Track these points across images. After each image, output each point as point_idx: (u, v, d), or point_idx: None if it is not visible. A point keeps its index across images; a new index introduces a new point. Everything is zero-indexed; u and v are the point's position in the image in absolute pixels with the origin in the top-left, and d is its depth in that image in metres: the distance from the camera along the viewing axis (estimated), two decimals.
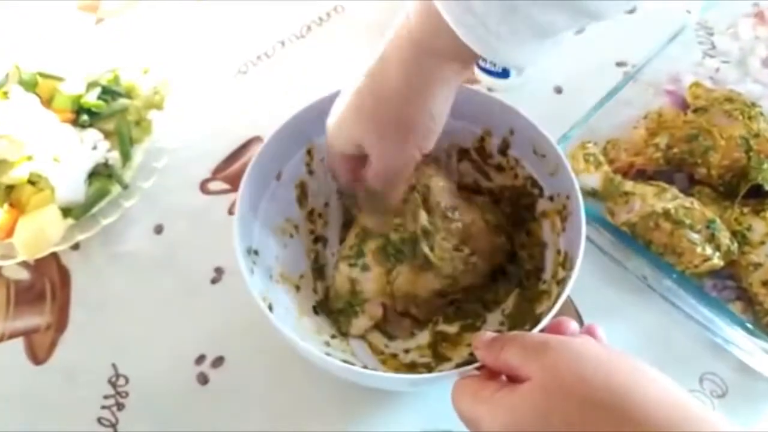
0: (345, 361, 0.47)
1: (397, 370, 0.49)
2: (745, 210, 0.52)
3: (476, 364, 0.40)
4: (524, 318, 0.48)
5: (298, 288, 0.53)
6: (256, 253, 0.49)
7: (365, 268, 0.51)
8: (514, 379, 0.36)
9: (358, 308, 0.51)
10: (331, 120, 0.46)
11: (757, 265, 0.50)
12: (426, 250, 0.49)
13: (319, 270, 0.55)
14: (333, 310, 0.52)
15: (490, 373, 0.38)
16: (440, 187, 0.51)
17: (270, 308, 0.47)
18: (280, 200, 0.53)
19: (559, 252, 0.50)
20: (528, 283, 0.51)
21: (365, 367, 0.49)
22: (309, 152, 0.54)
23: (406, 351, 0.51)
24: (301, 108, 0.51)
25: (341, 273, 0.52)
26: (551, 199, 0.51)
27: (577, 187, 0.47)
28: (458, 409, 0.37)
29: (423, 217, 0.50)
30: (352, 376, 0.45)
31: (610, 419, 0.32)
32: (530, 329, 0.42)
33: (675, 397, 0.33)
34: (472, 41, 0.37)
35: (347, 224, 0.57)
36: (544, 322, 0.42)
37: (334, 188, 0.56)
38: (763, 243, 0.50)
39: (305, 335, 0.49)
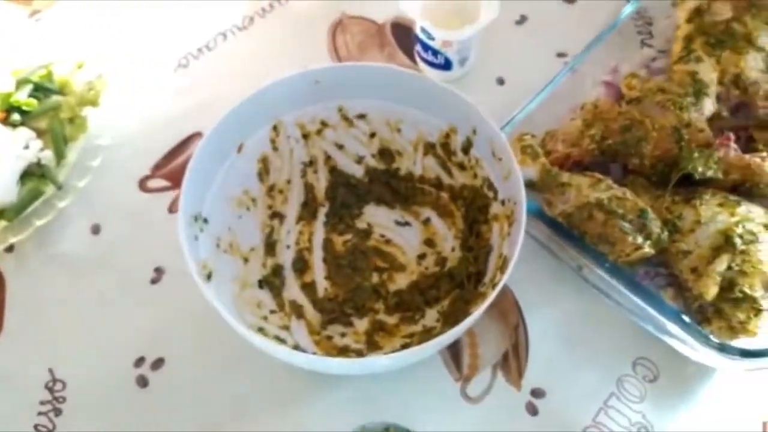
0: (276, 337, 0.47)
1: (328, 352, 0.50)
2: (677, 198, 0.53)
3: (405, 351, 0.41)
4: (457, 317, 0.49)
5: (246, 260, 0.53)
6: (205, 221, 0.50)
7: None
8: None
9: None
10: None
11: (687, 253, 0.51)
12: None
13: (271, 245, 0.55)
14: None
15: None
16: None
17: (209, 276, 0.48)
18: (239, 172, 0.53)
19: (500, 256, 0.50)
20: (468, 284, 0.52)
21: (297, 344, 0.49)
22: (275, 128, 0.54)
23: (342, 335, 0.52)
24: (267, 83, 0.51)
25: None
26: (503, 203, 0.51)
27: (523, 195, 0.47)
28: None
29: None
30: (272, 351, 0.45)
31: None
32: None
33: None
34: None
35: (307, 203, 0.57)
36: (471, 320, 0.43)
37: (299, 167, 0.57)
38: (692, 231, 0.52)
39: (243, 308, 0.50)
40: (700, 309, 0.51)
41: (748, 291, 0.48)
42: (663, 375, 0.52)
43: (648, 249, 0.50)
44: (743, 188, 0.53)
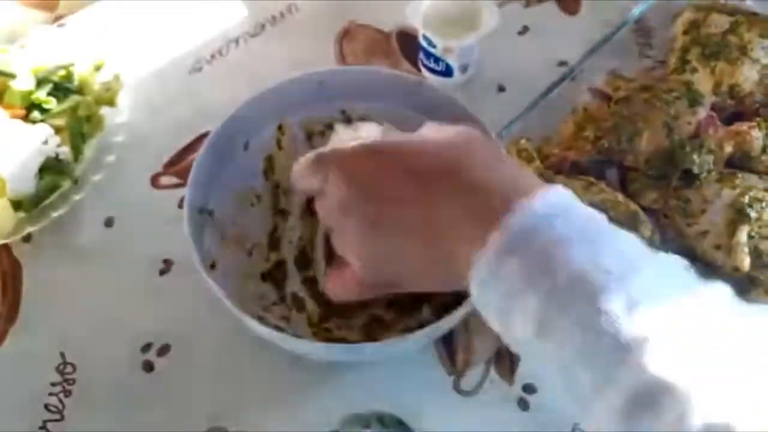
0: (276, 327, 0.49)
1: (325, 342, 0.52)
2: (679, 184, 0.55)
3: (395, 338, 0.44)
4: (447, 311, 0.51)
5: (250, 253, 0.55)
6: (210, 213, 0.53)
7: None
8: None
9: None
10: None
11: (705, 233, 0.52)
12: None
13: (275, 241, 0.57)
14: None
15: None
16: None
17: (212, 267, 0.50)
18: (245, 169, 0.55)
19: None
20: None
21: (295, 334, 0.51)
22: (280, 128, 0.57)
23: (340, 328, 0.54)
24: (274, 84, 0.54)
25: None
26: None
27: None
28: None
29: None
30: (273, 339, 0.47)
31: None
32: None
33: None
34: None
35: (312, 201, 0.59)
36: (460, 313, 0.45)
37: None
38: (703, 212, 0.53)
39: (246, 299, 0.52)
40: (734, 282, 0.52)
41: None
42: None
43: None
44: (735, 161, 0.55)
